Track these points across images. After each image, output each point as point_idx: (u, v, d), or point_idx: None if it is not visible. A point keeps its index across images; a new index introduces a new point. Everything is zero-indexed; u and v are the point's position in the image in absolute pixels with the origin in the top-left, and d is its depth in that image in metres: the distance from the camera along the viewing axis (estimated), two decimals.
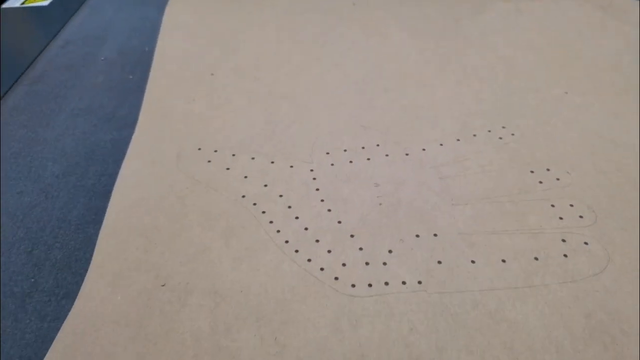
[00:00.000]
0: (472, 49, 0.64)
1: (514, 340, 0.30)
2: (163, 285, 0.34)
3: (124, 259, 0.36)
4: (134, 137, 0.48)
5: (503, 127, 0.48)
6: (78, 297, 0.33)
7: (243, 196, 0.41)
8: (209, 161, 0.45)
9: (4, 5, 0.79)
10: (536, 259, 0.35)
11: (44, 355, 0.30)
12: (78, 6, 0.79)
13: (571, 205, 0.39)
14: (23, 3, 0.80)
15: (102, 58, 0.64)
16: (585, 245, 0.36)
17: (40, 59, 0.64)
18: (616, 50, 0.63)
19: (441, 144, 0.47)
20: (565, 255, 0.35)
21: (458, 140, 0.47)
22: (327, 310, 0.32)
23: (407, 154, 0.45)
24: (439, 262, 0.35)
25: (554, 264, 0.35)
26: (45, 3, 0.80)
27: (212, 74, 0.59)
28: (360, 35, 0.68)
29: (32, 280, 0.35)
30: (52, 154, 0.47)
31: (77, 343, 0.30)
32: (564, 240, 0.36)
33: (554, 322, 0.31)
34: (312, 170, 0.44)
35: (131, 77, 0.59)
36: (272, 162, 0.45)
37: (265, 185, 0.42)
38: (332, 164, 0.44)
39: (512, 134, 0.47)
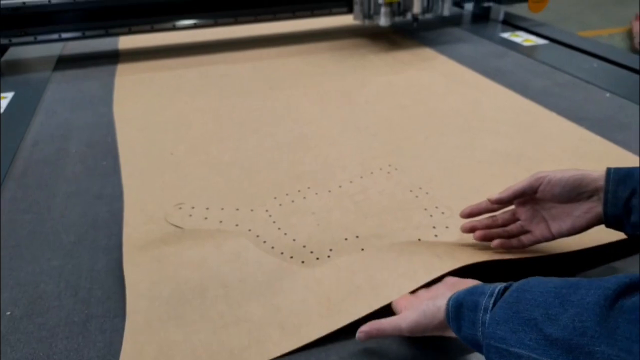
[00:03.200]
0: (361, 113, 0.88)
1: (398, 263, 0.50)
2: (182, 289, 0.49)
3: (148, 287, 0.51)
4: (125, 207, 0.63)
5: (389, 165, 0.71)
6: (127, 313, 0.48)
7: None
8: (190, 215, 0.62)
9: None
10: (419, 239, 0.56)
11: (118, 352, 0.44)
12: (32, 110, 0.92)
13: (436, 207, 0.61)
14: None
15: (74, 151, 0.78)
16: (447, 228, 0.58)
17: (18, 158, 0.76)
18: (458, 104, 0.91)
19: (351, 181, 0.68)
20: (435, 235, 0.57)
21: (361, 177, 0.68)
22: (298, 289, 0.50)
23: (329, 191, 0.66)
24: (362, 249, 0.55)
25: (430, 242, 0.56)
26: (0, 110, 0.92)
27: (172, 154, 0.76)
28: (282, 109, 0.89)
29: (86, 312, 0.48)
30: (62, 227, 0.60)
31: (141, 338, 0.45)
32: (434, 227, 0.58)
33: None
34: (267, 210, 0.62)
35: (105, 163, 0.74)
36: (237, 209, 0.62)
37: (237, 225, 0.60)
38: (280, 204, 0.63)
39: (396, 169, 0.70)
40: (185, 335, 0.45)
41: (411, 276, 0.48)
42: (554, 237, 0.48)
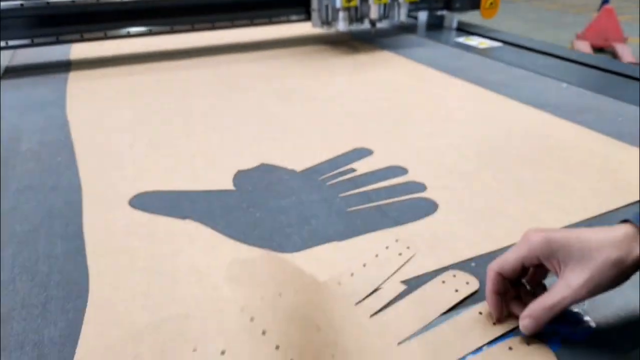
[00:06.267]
0: (326, 108, 0.87)
1: None
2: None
3: (114, 276, 0.46)
4: (84, 198, 0.59)
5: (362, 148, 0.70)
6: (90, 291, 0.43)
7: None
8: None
9: None
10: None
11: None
12: None
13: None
14: None
15: (25, 149, 0.72)
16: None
17: None
18: (422, 97, 0.92)
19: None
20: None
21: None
22: None
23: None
24: None
25: None
26: None
27: (132, 146, 0.72)
28: (244, 107, 0.88)
29: (45, 294, 0.44)
30: (15, 220, 0.55)
31: (103, 317, 0.40)
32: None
33: None
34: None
35: (59, 159, 0.70)
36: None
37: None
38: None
39: (369, 152, 0.69)
40: (151, 317, 0.40)
41: None
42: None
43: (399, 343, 0.39)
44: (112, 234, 0.52)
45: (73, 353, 0.37)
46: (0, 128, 0.80)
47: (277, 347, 0.32)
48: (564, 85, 0.96)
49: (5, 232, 0.53)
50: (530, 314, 0.38)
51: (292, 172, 0.65)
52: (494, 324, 0.40)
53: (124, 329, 0.39)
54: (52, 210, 0.57)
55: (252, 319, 0.34)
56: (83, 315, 0.41)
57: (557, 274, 0.38)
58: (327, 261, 0.48)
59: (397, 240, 0.50)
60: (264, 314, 0.35)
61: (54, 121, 0.83)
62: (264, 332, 0.33)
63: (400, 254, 0.48)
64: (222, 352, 0.31)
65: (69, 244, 0.51)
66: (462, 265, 0.47)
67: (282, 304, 0.36)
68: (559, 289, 0.37)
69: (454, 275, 0.46)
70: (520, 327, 0.38)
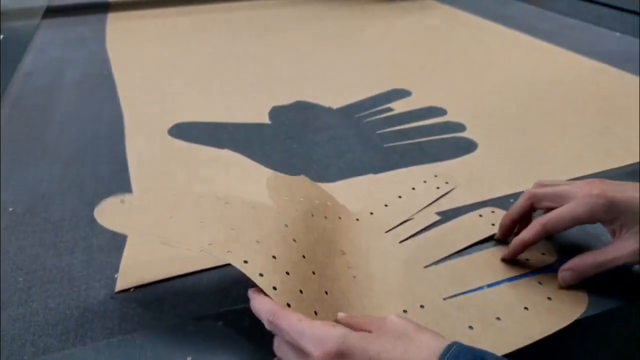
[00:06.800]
0: (363, 51, 0.86)
1: None
2: None
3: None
4: (126, 125, 0.61)
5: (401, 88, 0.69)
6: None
7: None
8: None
9: None
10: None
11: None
12: (23, 49, 0.88)
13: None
14: None
15: (69, 80, 0.74)
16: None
17: (11, 87, 0.72)
18: (464, 43, 0.89)
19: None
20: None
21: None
22: None
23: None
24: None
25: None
26: None
27: (170, 83, 0.73)
28: (281, 49, 0.87)
29: (92, 208, 0.45)
30: (62, 141, 0.57)
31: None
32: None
33: None
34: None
35: (101, 91, 0.71)
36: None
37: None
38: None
39: (408, 91, 0.68)
40: None
41: None
42: None
43: (426, 266, 0.39)
44: (152, 159, 0.54)
45: (119, 258, 0.39)
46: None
47: (304, 257, 0.33)
48: (618, 34, 0.91)
49: (55, 152, 0.55)
50: (575, 267, 0.36)
51: (329, 109, 0.65)
52: (527, 260, 0.40)
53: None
54: (97, 136, 0.59)
55: (286, 225, 0.34)
56: None
57: (613, 235, 0.36)
58: (363, 191, 0.48)
59: (436, 176, 0.50)
60: (297, 224, 0.35)
61: (95, 56, 0.85)
62: (295, 240, 0.34)
63: (437, 188, 0.48)
64: (257, 242, 0.32)
65: (113, 165, 0.53)
66: (501, 201, 0.47)
67: (312, 223, 0.37)
68: (613, 250, 0.35)
69: (493, 212, 0.45)
70: (559, 278, 0.37)
